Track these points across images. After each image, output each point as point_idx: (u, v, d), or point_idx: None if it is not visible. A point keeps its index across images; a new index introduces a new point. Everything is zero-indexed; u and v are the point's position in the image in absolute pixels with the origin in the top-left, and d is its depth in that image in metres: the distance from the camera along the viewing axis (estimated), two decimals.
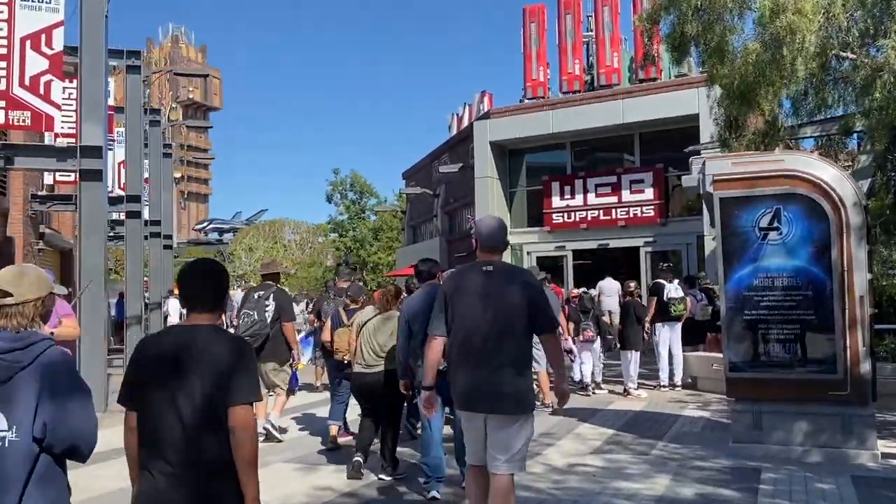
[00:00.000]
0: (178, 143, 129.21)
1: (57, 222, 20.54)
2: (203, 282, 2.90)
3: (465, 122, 25.20)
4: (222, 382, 2.65)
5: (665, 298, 11.62)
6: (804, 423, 6.61)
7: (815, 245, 6.55)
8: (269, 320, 7.49)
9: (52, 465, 2.47)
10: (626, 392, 11.14)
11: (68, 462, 2.56)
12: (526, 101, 22.10)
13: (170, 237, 23.79)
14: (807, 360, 6.63)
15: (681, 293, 11.86)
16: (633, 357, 11.18)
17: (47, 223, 18.83)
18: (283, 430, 8.19)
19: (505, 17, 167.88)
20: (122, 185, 18.89)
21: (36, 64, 10.17)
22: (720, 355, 11.73)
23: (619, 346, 11.32)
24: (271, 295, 7.62)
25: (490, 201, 21.30)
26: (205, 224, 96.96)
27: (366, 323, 6.42)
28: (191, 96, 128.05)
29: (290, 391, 8.28)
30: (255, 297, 7.63)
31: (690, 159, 7.44)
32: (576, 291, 11.90)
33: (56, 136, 13.98)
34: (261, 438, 6.12)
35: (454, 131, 26.66)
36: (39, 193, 16.73)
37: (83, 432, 2.47)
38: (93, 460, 2.79)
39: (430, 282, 5.90)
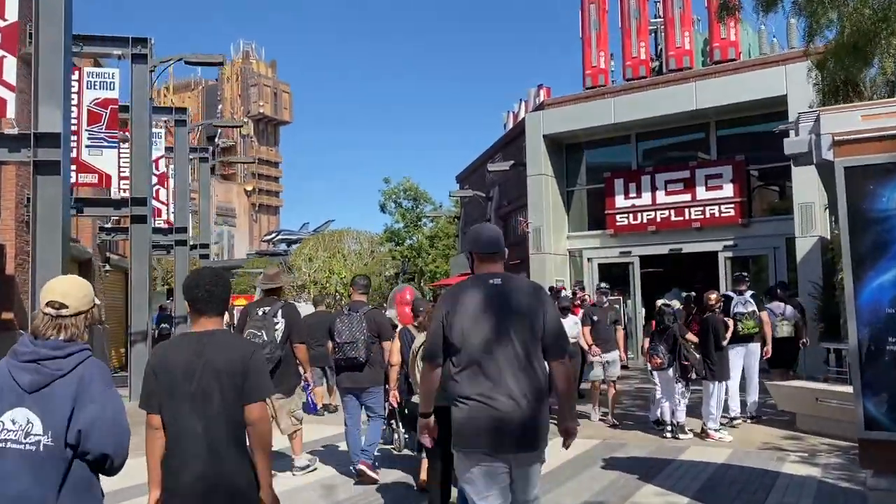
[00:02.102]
0: (251, 156, 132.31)
1: (124, 248, 20.84)
2: (212, 288, 3.07)
3: (521, 119, 23.04)
4: (237, 383, 2.92)
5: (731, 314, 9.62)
6: None
7: None
8: (279, 341, 6.53)
9: (87, 471, 2.57)
10: (704, 433, 8.77)
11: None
12: (585, 90, 19.78)
13: (206, 246, 22.59)
14: None
15: (751, 307, 9.86)
16: (717, 389, 8.80)
17: (114, 249, 19.71)
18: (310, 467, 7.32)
19: (565, 4, 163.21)
20: (167, 221, 17.94)
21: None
22: (823, 386, 9.40)
23: (692, 375, 8.86)
24: (279, 311, 6.65)
25: (545, 202, 19.05)
26: (273, 235, 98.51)
27: (421, 345, 5.41)
28: (261, 111, 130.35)
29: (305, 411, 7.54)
30: (260, 313, 6.63)
31: (797, 115, 5.13)
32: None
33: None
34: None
35: (509, 129, 24.55)
36: (106, 226, 18.53)
37: (115, 442, 2.56)
38: None
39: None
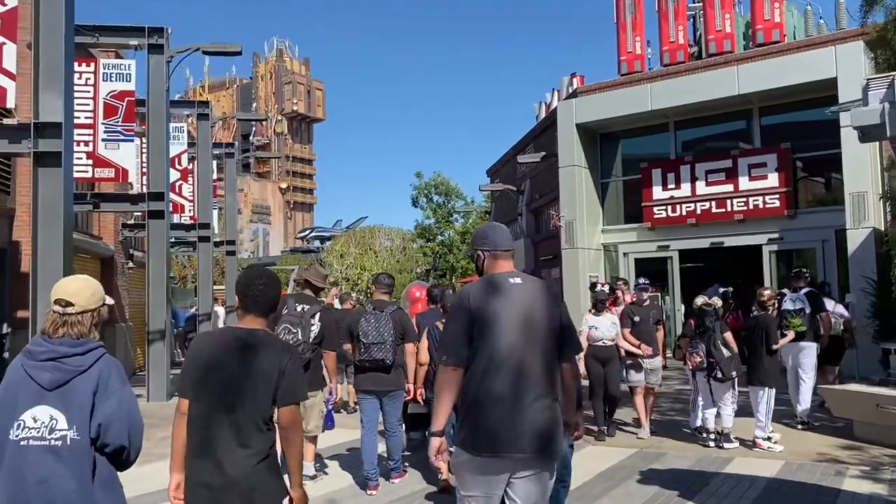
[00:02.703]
0: (284, 154, 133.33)
1: (97, 226, 20.02)
2: (265, 289, 3.15)
3: (553, 109, 22.29)
4: (272, 384, 2.97)
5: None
6: None
7: None
8: (311, 342, 6.20)
9: (109, 465, 2.70)
10: (752, 442, 8.02)
11: None
12: (620, 77, 18.95)
13: (233, 243, 22.28)
14: None
15: (800, 305, 9.20)
16: (766, 395, 8.04)
17: (137, 246, 19.30)
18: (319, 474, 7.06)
19: None
20: (192, 217, 17.68)
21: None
22: (884, 391, 8.53)
23: (717, 374, 8.06)
24: (318, 313, 6.35)
25: (578, 195, 18.28)
26: (307, 232, 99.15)
27: None
28: (295, 108, 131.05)
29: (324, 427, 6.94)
30: (299, 308, 6.30)
31: (865, 82, 4.39)
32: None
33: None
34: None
35: (541, 120, 23.80)
36: (129, 223, 18.31)
37: (132, 435, 2.69)
38: None
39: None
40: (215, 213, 22.59)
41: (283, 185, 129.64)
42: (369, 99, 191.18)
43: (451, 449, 3.66)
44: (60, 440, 2.58)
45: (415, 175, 42.01)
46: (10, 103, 8.51)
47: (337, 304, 12.66)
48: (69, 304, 2.72)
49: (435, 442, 3.36)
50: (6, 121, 8.53)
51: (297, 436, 3.06)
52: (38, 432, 2.59)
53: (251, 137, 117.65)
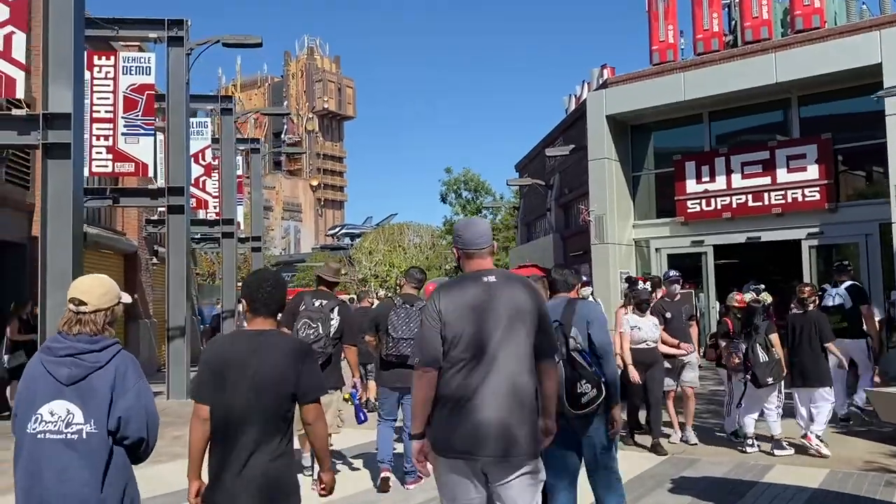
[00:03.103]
0: (315, 152, 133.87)
1: (121, 222, 19.96)
2: (272, 291, 3.19)
3: (583, 100, 21.73)
4: (291, 381, 3.04)
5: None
6: None
7: None
8: (332, 337, 6.23)
9: (125, 456, 2.79)
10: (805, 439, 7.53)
11: None
12: (652, 66, 18.34)
13: (258, 239, 22.15)
14: None
15: (839, 300, 8.85)
16: (825, 393, 7.57)
17: (162, 242, 18.82)
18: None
19: None
20: (218, 213, 17.56)
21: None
22: None
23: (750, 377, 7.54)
24: (336, 307, 6.35)
25: (608, 188, 17.71)
26: (337, 229, 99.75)
27: None
28: (326, 106, 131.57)
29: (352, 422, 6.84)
30: (317, 304, 6.31)
31: None
32: (740, 297, 8.11)
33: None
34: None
35: (570, 112, 23.26)
36: (153, 218, 18.38)
37: (150, 428, 2.82)
38: None
39: (563, 294, 4.74)
40: (240, 209, 22.48)
41: (314, 183, 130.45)
42: (399, 95, 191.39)
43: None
44: (77, 434, 2.66)
45: (444, 171, 41.72)
46: (20, 93, 8.33)
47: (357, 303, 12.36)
48: (82, 302, 2.82)
49: (416, 445, 3.35)
50: (15, 111, 8.34)
51: (322, 428, 3.17)
52: (54, 426, 2.67)
53: (282, 135, 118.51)
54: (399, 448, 6.84)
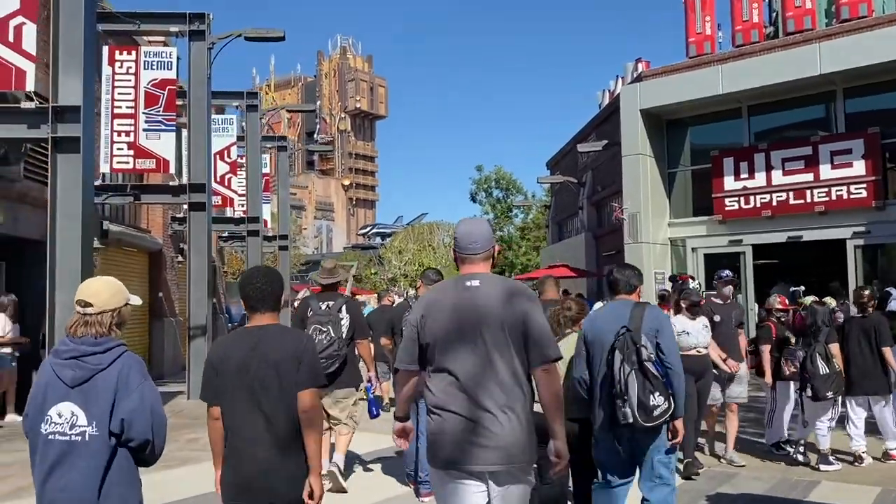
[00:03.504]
0: (347, 151, 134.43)
1: (145, 219, 19.79)
2: (263, 286, 3.22)
3: (616, 94, 21.13)
4: (292, 372, 3.10)
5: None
6: None
7: None
8: (345, 337, 6.20)
9: (129, 458, 2.80)
10: (857, 459, 6.96)
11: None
12: (688, 59, 17.69)
13: (286, 237, 21.94)
14: None
15: None
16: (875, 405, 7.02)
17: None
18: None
19: None
20: (245, 211, 17.36)
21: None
22: None
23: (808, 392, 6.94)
24: (343, 306, 6.32)
25: (642, 185, 17.14)
26: (368, 229, 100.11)
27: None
28: (358, 105, 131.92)
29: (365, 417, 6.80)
30: (324, 307, 6.28)
31: None
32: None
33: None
34: (326, 485, 4.58)
35: (603, 108, 22.66)
36: (178, 216, 17.95)
37: (156, 429, 2.80)
38: None
39: (625, 296, 4.50)
40: (267, 207, 22.27)
41: (346, 182, 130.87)
42: (432, 95, 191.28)
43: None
44: (80, 436, 2.71)
45: (475, 168, 41.23)
46: (30, 86, 8.06)
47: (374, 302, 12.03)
48: (88, 304, 2.84)
49: (397, 425, 3.44)
50: (24, 104, 8.12)
51: (318, 418, 3.17)
52: (61, 427, 2.72)
53: (315, 135, 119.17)
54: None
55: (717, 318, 7.35)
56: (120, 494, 2.76)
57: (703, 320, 7.08)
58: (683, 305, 7.01)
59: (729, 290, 7.73)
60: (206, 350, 12.41)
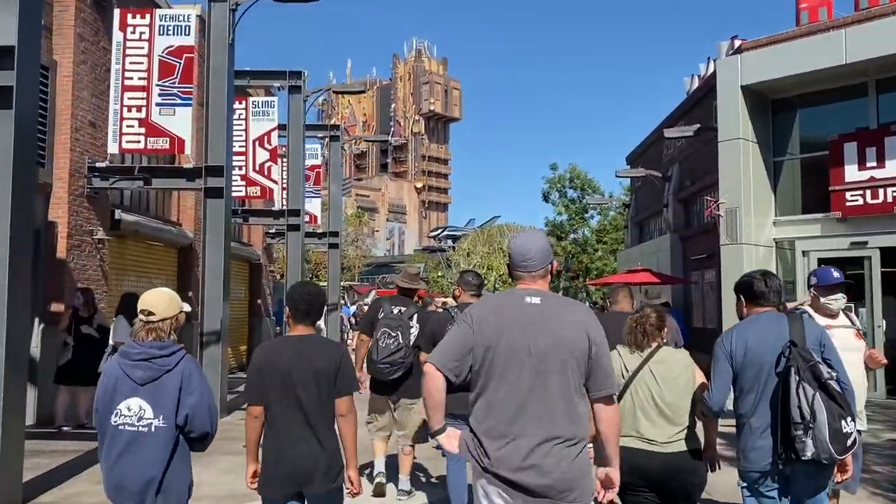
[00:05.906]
0: (420, 154, 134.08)
1: (247, 234, 19.65)
2: (313, 301, 3.72)
3: (710, 74, 18.48)
4: (331, 379, 3.55)
5: None
6: None
7: None
8: (412, 345, 6.11)
9: (186, 447, 3.31)
10: None
11: None
12: (798, 27, 14.95)
13: (336, 234, 20.21)
14: None
15: None
16: None
17: (237, 236, 18.14)
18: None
19: None
20: (284, 201, 16.32)
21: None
22: None
23: None
24: (415, 315, 6.30)
25: (743, 176, 14.49)
26: (438, 231, 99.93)
27: (637, 371, 4.03)
28: (432, 108, 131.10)
29: None
30: (396, 311, 6.28)
31: None
32: None
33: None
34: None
35: (694, 90, 19.99)
36: (271, 231, 20.01)
37: (213, 422, 3.33)
38: None
39: (769, 309, 3.93)
40: (318, 201, 20.58)
41: (419, 185, 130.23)
42: (507, 95, 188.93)
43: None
44: (147, 427, 3.20)
45: (549, 167, 38.84)
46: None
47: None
48: (151, 312, 3.32)
49: (441, 438, 3.16)
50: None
51: (353, 421, 3.61)
52: (129, 419, 3.21)
53: (389, 137, 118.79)
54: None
55: None
56: (179, 475, 3.25)
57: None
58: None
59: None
60: (220, 356, 10.57)
